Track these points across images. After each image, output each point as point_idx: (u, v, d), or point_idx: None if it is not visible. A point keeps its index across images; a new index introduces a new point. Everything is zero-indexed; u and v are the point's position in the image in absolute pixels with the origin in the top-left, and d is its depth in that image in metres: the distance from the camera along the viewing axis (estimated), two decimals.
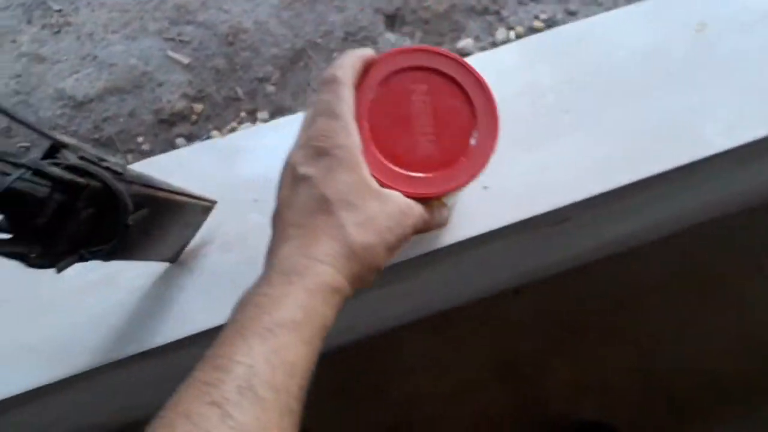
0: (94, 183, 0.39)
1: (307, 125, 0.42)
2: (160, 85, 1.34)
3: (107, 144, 1.30)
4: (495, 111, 0.43)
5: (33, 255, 0.39)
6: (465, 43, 1.31)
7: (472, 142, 0.43)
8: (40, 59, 1.36)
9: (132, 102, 1.33)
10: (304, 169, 0.40)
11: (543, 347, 1.14)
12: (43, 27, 1.39)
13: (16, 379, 0.50)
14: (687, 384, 1.07)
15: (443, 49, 0.45)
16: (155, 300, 0.52)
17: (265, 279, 0.38)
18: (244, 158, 0.56)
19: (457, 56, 0.44)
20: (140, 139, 1.30)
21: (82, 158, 0.40)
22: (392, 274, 0.54)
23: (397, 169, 0.42)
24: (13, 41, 1.37)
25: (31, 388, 0.50)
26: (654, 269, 1.13)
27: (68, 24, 1.39)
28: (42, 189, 0.37)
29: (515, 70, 0.58)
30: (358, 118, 0.42)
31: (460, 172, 0.42)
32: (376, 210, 0.40)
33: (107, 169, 0.41)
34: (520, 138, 0.55)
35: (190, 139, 1.32)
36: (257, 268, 0.53)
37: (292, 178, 0.41)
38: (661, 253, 1.13)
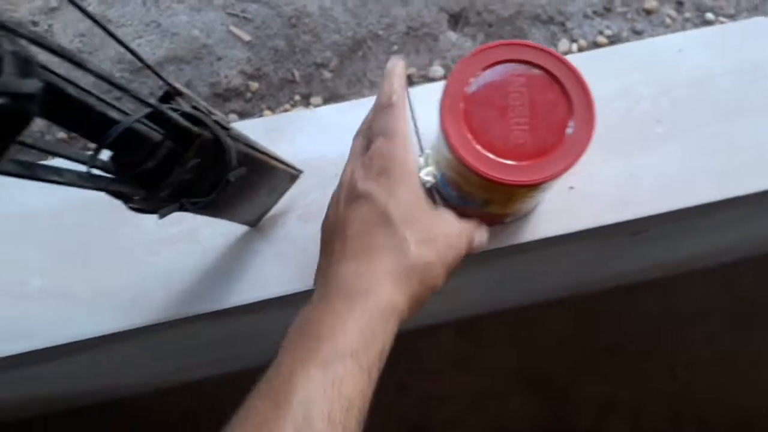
0: (206, 134, 0.39)
1: (361, 146, 0.43)
2: (219, 59, 1.35)
3: None
4: (591, 103, 0.43)
5: (136, 197, 0.39)
6: None
7: (569, 131, 0.42)
8: (106, 21, 1.38)
9: (190, 73, 1.34)
10: (364, 186, 0.40)
11: (575, 362, 1.12)
12: None
13: (85, 324, 0.51)
14: (721, 417, 1.05)
15: (542, 45, 0.44)
16: (230, 262, 0.52)
17: (325, 301, 0.37)
18: (321, 136, 0.56)
19: (554, 51, 0.44)
20: None
21: (194, 108, 0.40)
22: None
23: (491, 155, 0.42)
24: (82, 0, 1.39)
25: (99, 335, 0.51)
26: (699, 297, 1.12)
27: None
28: (156, 133, 0.37)
29: (611, 75, 0.57)
30: (456, 102, 0.43)
31: (556, 162, 0.42)
32: (437, 228, 0.40)
33: (216, 123, 0.41)
34: (610, 143, 0.54)
35: (243, 115, 1.32)
36: None
37: (350, 194, 0.41)
38: (707, 281, 1.11)
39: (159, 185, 0.39)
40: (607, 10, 1.36)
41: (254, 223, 0.52)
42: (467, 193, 0.46)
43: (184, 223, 0.53)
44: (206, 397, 1.08)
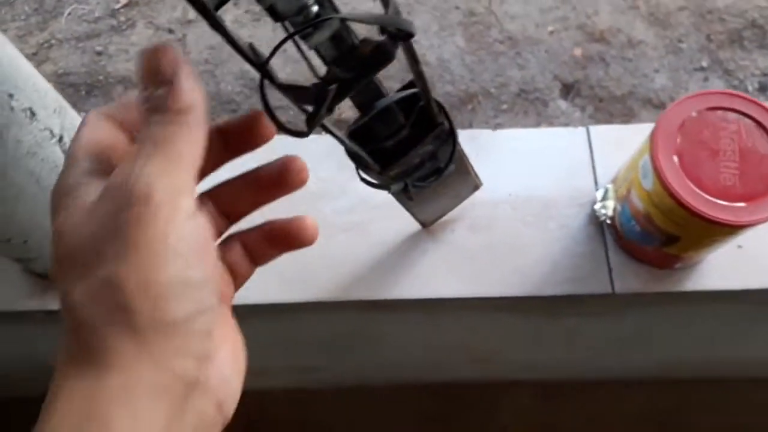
0: (445, 125, 0.42)
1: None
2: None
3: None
4: None
5: (370, 171, 0.42)
6: None
7: None
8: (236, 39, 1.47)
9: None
10: None
11: None
12: (247, 11, 1.50)
13: (252, 289, 0.52)
14: None
15: (757, 99, 0.47)
16: (397, 257, 0.54)
17: None
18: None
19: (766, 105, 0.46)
20: None
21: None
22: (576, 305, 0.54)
23: (700, 192, 0.44)
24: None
25: (262, 302, 0.53)
26: None
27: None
28: (401, 116, 0.40)
29: None
30: (669, 139, 0.45)
31: (765, 207, 0.43)
32: None
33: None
34: None
35: None
36: (499, 256, 0.54)
37: None
38: None
39: (393, 164, 0.42)
40: None
41: (428, 224, 0.54)
42: (655, 229, 0.48)
43: (358, 213, 0.55)
44: (271, 407, 1.08)
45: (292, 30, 0.28)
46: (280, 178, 0.30)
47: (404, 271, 0.53)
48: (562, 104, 1.38)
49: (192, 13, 1.52)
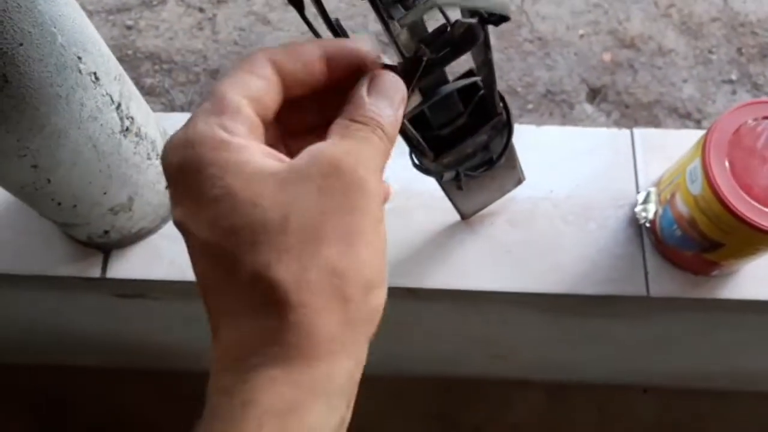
0: (503, 116, 0.42)
1: None
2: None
3: None
4: None
5: (424, 158, 0.42)
6: None
7: None
8: (265, 22, 1.46)
9: None
10: None
11: None
12: None
13: None
14: None
15: None
16: (436, 246, 0.54)
17: None
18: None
19: None
20: None
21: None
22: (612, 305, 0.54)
23: (751, 200, 0.44)
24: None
25: None
26: None
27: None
28: (460, 104, 0.40)
29: None
30: (721, 145, 0.45)
31: None
32: None
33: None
34: None
35: None
36: (537, 252, 0.54)
37: None
38: None
39: (447, 152, 0.42)
40: None
41: (468, 216, 0.54)
42: (699, 234, 0.48)
43: (399, 200, 0.56)
44: None
45: (381, 6, 0.28)
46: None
47: (441, 261, 0.54)
48: (588, 108, 1.37)
49: None
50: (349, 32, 0.30)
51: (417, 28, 0.30)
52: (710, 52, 1.41)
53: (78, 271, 0.56)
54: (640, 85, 1.38)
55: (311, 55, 0.25)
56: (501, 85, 1.40)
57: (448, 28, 0.29)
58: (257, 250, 0.21)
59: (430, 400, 1.09)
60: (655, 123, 1.36)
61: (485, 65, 0.37)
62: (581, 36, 1.44)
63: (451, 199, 0.50)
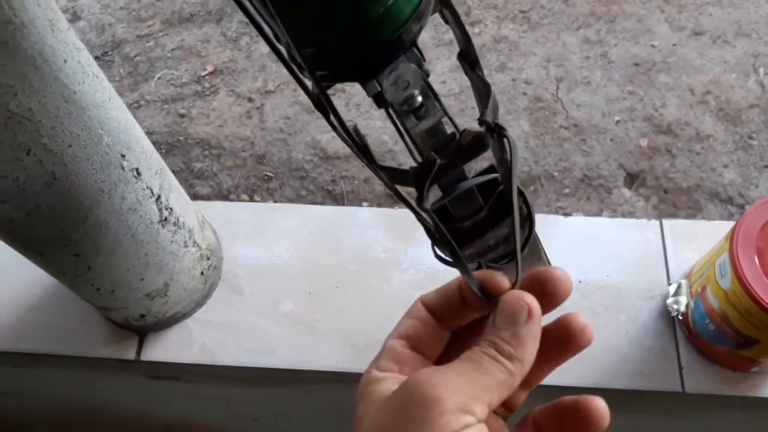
0: (524, 210, 0.43)
1: None
2: (399, 165, 1.45)
3: (336, 198, 1.41)
4: None
5: (444, 250, 0.43)
6: None
7: None
8: (310, 111, 1.54)
9: (353, 170, 1.45)
10: None
11: None
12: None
13: (320, 355, 0.53)
14: None
15: None
16: None
17: None
18: None
19: None
20: (365, 204, 1.40)
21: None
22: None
23: None
24: (295, 90, 1.57)
25: (326, 369, 0.53)
26: None
27: (343, 91, 1.57)
28: (480, 199, 0.41)
29: None
30: (749, 240, 0.45)
31: None
32: None
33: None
34: None
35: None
36: None
37: None
38: None
39: (468, 244, 0.43)
40: None
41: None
42: (732, 330, 0.46)
43: (425, 287, 0.56)
44: None
45: (395, 116, 0.30)
46: (562, 341, 0.30)
47: None
48: (626, 193, 1.37)
49: (271, 84, 1.62)
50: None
51: (435, 131, 0.31)
52: (750, 137, 1.40)
53: (114, 353, 0.58)
54: (679, 170, 1.37)
55: (453, 289, 0.32)
56: (537, 170, 1.41)
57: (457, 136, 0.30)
58: None
59: None
60: (696, 208, 1.34)
61: (502, 165, 0.38)
62: (617, 122, 1.46)
63: (475, 290, 0.50)
